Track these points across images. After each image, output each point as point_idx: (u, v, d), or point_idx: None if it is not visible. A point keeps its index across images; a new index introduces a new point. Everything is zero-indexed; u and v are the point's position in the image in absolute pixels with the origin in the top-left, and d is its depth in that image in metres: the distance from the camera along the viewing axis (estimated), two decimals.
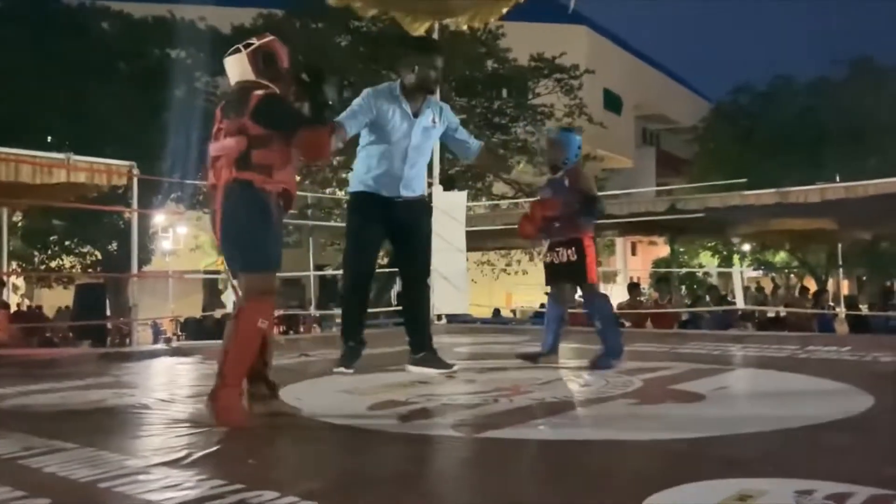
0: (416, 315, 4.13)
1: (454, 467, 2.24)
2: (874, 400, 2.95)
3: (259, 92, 2.71)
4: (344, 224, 4.33)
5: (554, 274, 4.29)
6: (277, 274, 2.79)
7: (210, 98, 16.08)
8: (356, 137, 4.02)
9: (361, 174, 4.03)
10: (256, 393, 2.77)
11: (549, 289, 4.47)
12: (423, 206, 4.18)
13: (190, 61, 15.41)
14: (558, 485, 1.94)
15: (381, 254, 5.63)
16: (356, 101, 3.94)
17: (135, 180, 6.62)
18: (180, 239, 21.05)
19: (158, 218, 16.65)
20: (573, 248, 4.14)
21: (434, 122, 4.06)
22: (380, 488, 1.91)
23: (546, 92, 18.27)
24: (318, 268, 14.96)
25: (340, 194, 17.30)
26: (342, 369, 3.95)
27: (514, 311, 18.16)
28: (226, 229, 2.71)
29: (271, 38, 2.89)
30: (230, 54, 2.85)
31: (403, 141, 3.96)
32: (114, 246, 15.24)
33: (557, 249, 4.22)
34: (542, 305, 16.07)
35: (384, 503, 1.81)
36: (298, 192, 4.12)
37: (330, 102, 2.80)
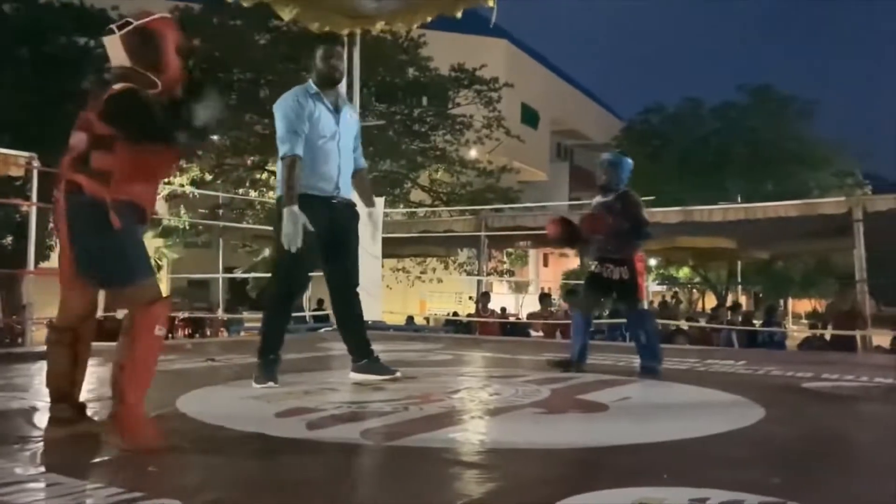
0: (354, 322, 4.06)
1: (361, 475, 2.23)
2: (765, 412, 3.11)
3: (117, 86, 2.34)
4: (257, 226, 4.20)
5: (598, 286, 4.54)
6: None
7: None
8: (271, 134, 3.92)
9: None
10: (58, 417, 2.45)
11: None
12: (354, 209, 4.06)
13: (100, 50, 14.80)
14: (463, 492, 1.96)
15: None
16: (288, 112, 3.77)
17: (34, 172, 6.30)
18: None
19: None
20: (625, 267, 4.43)
21: (352, 117, 4.02)
22: (285, 496, 1.89)
23: (466, 102, 18.48)
24: (228, 270, 14.59)
25: (254, 195, 16.97)
26: (270, 384, 3.66)
27: (427, 319, 18.22)
28: (71, 242, 2.36)
29: (158, 16, 2.42)
30: (105, 34, 2.42)
31: (333, 139, 3.87)
32: (8, 240, 14.43)
33: (608, 265, 4.48)
34: (455, 314, 16.22)
35: None
36: (209, 192, 4.00)
37: (198, 124, 2.34)
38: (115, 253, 2.33)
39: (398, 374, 3.96)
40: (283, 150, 3.74)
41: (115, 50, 2.39)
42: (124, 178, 2.33)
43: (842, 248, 10.82)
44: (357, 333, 4.05)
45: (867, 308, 7.93)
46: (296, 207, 3.63)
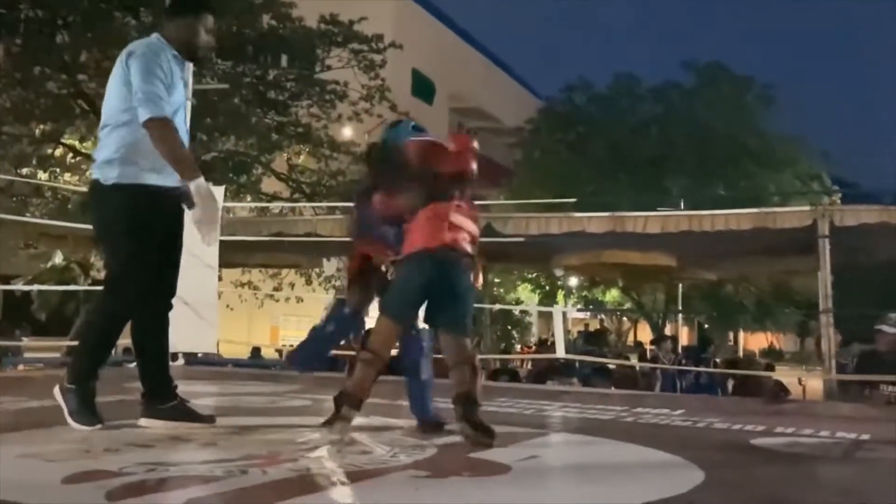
0: (164, 350, 4.09)
1: None
2: (704, 476, 3.25)
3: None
4: (46, 220, 4.08)
5: None
6: None
7: None
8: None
9: (133, 158, 3.76)
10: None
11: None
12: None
13: None
14: None
15: None
16: (155, 68, 3.75)
17: None
18: None
19: None
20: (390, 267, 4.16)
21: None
22: None
23: (339, 65, 18.41)
24: (3, 280, 13.98)
25: (43, 177, 16.31)
26: (97, 426, 3.72)
27: (279, 352, 18.02)
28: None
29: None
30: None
31: (181, 114, 3.89)
32: None
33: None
34: None
35: None
36: None
37: None
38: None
39: (214, 420, 4.00)
40: (150, 110, 3.69)
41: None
42: None
43: (803, 269, 11.44)
44: (165, 368, 4.08)
45: (832, 344, 8.38)
46: (202, 179, 3.69)
